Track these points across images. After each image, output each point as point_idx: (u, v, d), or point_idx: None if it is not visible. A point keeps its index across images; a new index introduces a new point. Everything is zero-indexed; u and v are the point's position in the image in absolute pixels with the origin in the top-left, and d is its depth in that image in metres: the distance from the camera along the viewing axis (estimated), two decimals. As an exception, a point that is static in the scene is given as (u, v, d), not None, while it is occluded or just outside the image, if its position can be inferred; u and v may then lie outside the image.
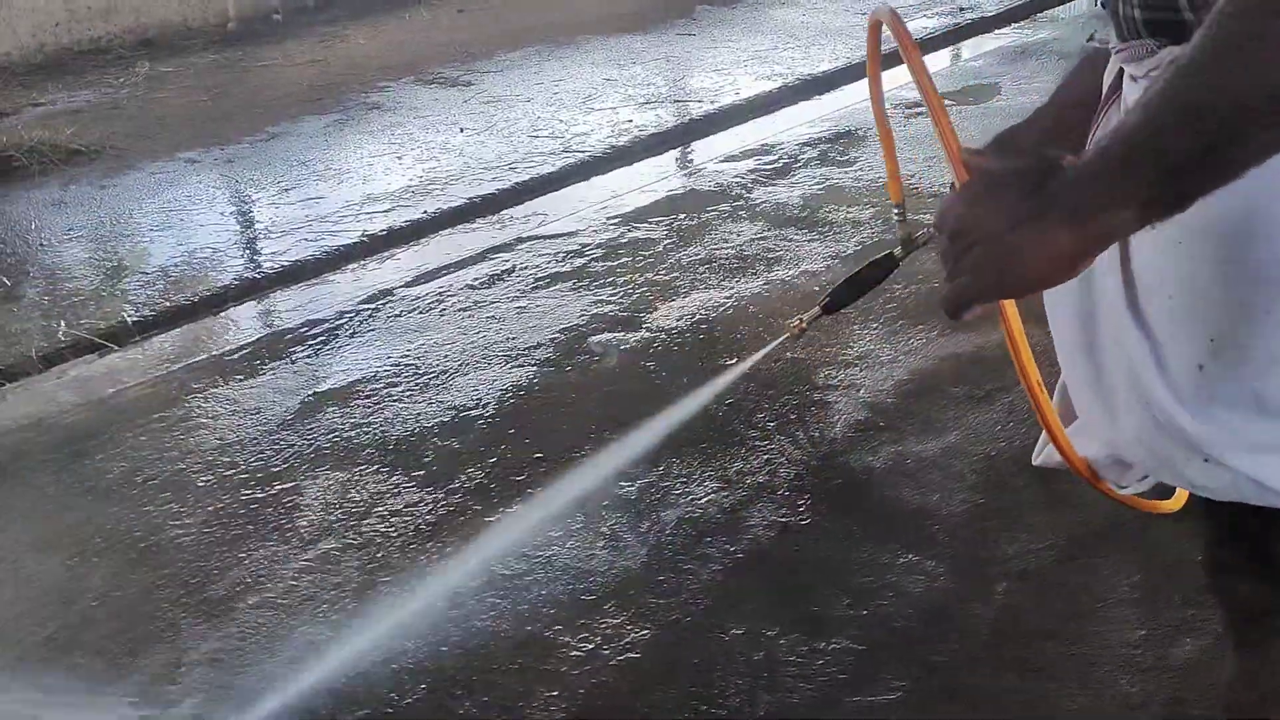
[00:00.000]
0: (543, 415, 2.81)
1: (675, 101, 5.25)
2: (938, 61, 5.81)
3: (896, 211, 1.33)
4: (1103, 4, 1.07)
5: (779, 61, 5.74)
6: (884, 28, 1.18)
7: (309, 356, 3.20)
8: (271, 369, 3.15)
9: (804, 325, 1.35)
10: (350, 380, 3.05)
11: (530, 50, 6.22)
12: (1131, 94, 1.04)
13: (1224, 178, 0.80)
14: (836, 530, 2.29)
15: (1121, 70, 1.08)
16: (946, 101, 1.04)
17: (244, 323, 3.51)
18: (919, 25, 6.17)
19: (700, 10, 6.88)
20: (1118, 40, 1.03)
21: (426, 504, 2.48)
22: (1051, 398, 1.14)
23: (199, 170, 4.68)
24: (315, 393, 3.00)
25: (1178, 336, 0.98)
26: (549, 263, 3.69)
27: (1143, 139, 0.80)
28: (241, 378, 3.12)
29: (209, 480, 2.64)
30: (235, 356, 3.25)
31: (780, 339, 1.39)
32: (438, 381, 2.99)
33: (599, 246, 3.78)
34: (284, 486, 2.59)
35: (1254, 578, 1.14)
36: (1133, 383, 1.02)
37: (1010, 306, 0.98)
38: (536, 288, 3.51)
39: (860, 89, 5.37)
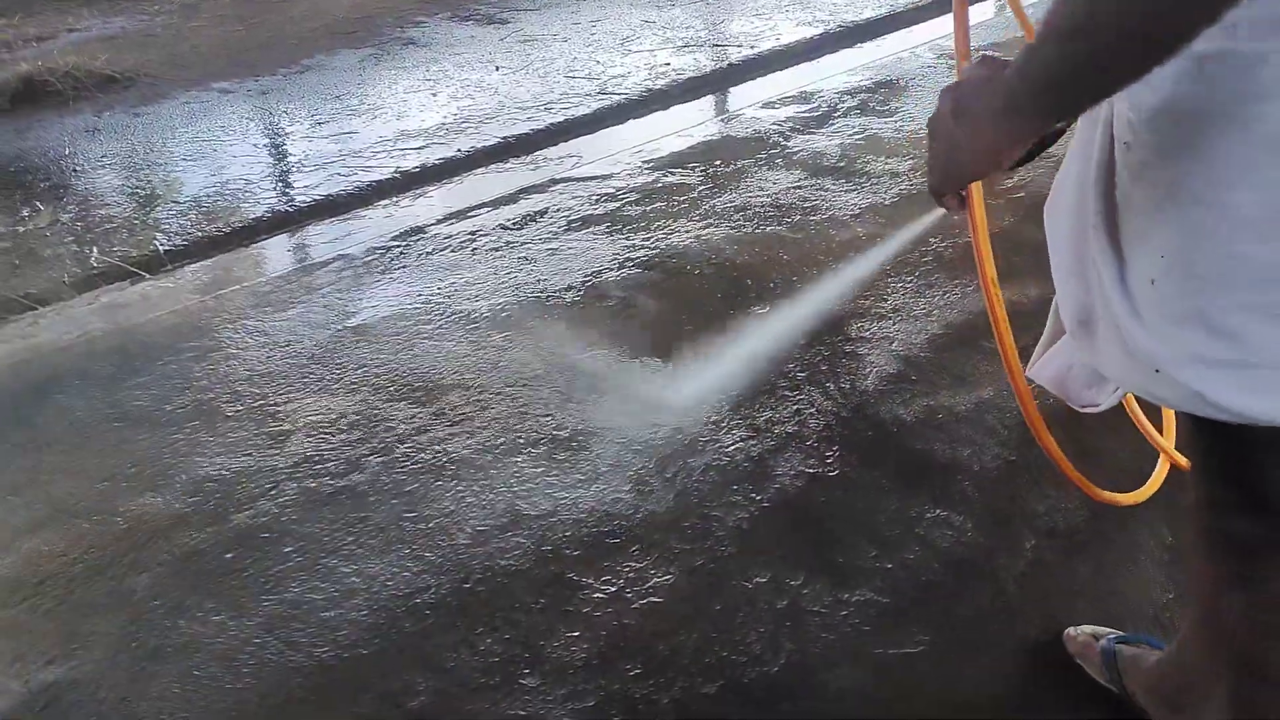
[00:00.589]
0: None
1: (714, 46, 5.17)
2: (983, 11, 5.68)
3: None
4: None
5: (821, 7, 5.63)
6: None
7: (339, 291, 3.19)
8: (302, 302, 3.15)
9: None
10: (380, 316, 3.04)
11: (568, -12, 6.14)
12: None
13: (1094, 95, 0.95)
14: (865, 481, 2.27)
15: None
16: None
17: (275, 255, 3.51)
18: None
19: (742, -47, 6.76)
20: None
21: (450, 441, 2.48)
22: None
23: (232, 101, 4.66)
24: (345, 327, 2.99)
25: (1136, 253, 1.08)
26: (582, 205, 3.65)
27: (1033, 58, 0.94)
28: (271, 310, 3.11)
29: (237, 410, 2.65)
30: (266, 288, 3.25)
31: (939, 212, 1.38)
32: (468, 320, 2.98)
33: (633, 190, 3.74)
34: (312, 419, 2.59)
35: (1244, 514, 1.21)
36: (1104, 295, 1.12)
37: (979, 217, 1.26)
38: (569, 230, 3.48)
39: (902, 39, 5.27)
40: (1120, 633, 1.80)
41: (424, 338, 2.91)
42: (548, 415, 2.55)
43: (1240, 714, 1.34)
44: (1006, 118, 1.02)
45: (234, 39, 5.45)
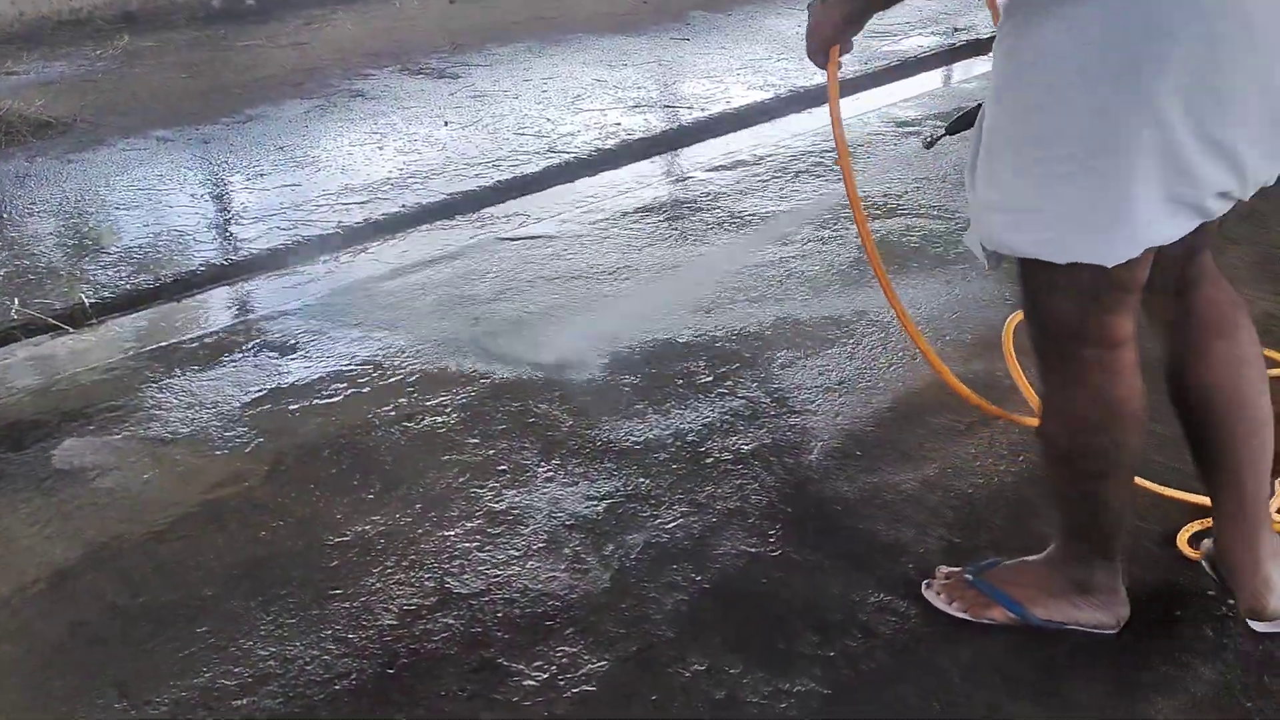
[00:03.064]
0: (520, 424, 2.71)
1: (665, 106, 5.16)
2: (929, 82, 5.74)
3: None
4: None
5: (772, 71, 5.66)
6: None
7: (273, 350, 3.09)
8: (233, 361, 3.04)
9: (932, 139, 2.19)
10: (313, 377, 2.94)
11: (520, 45, 6.13)
12: None
13: None
14: (808, 563, 2.20)
15: None
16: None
17: (208, 310, 3.40)
18: (914, 44, 6.12)
19: (694, 15, 6.81)
20: None
21: (378, 512, 2.38)
22: None
23: (172, 149, 4.56)
24: (275, 388, 2.89)
25: (977, 143, 1.64)
26: (528, 266, 3.58)
27: None
28: (199, 368, 3.00)
29: (153, 474, 2.53)
30: (195, 345, 3.14)
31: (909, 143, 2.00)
32: (405, 384, 2.89)
33: (578, 250, 3.68)
34: (231, 487, 2.48)
35: (1031, 325, 1.74)
36: (969, 174, 1.68)
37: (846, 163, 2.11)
38: (513, 290, 3.41)
39: (851, 105, 5.30)
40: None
41: (361, 401, 2.82)
42: (485, 487, 2.46)
43: (1047, 482, 1.99)
44: (843, 4, 1.80)
45: (177, 87, 5.36)
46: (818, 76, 5.83)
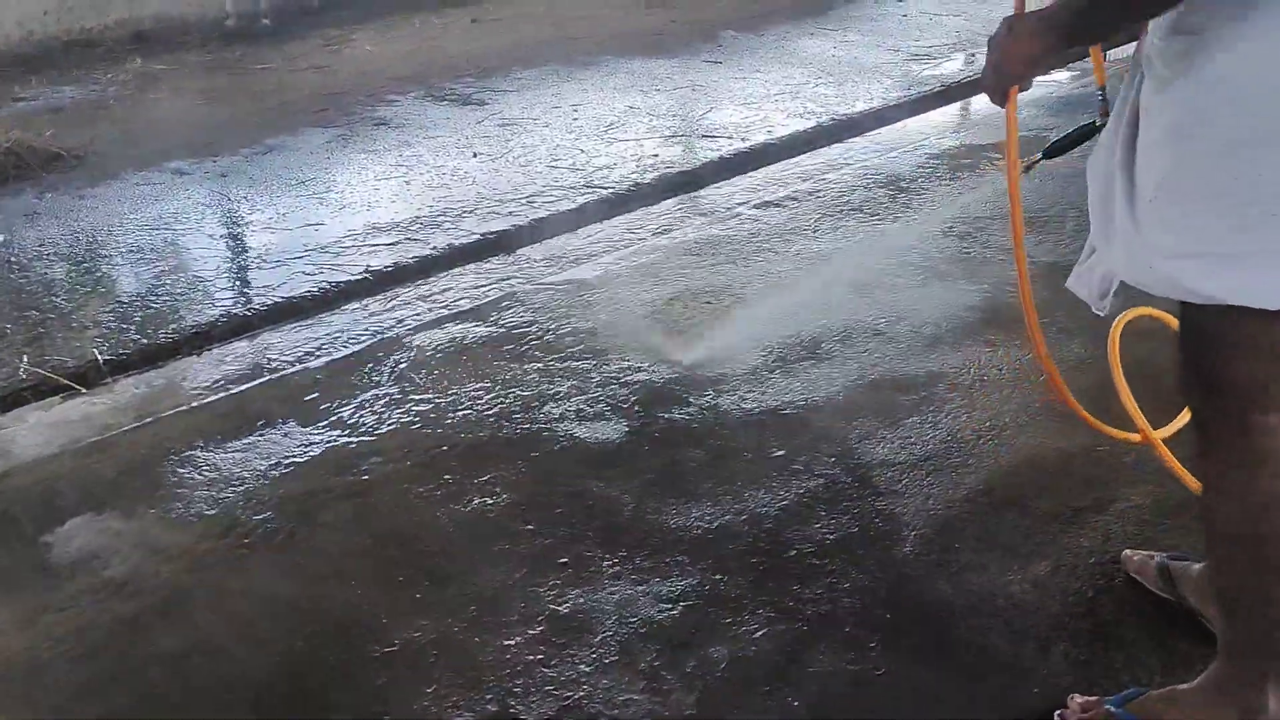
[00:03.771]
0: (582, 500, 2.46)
1: (703, 136, 4.92)
2: (950, 113, 5.49)
3: (1099, 93, 1.84)
4: None
5: (812, 98, 5.41)
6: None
7: (300, 415, 2.85)
8: (257, 428, 2.79)
9: (1030, 163, 1.97)
10: (346, 449, 2.69)
11: (547, 69, 5.89)
12: None
13: (1108, 25, 1.56)
14: (917, 685, 1.95)
15: None
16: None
17: (229, 367, 3.14)
18: (948, 70, 5.88)
19: (725, 36, 6.57)
20: None
21: (424, 616, 2.13)
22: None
23: (188, 184, 4.32)
24: (304, 461, 2.64)
25: (1142, 181, 1.52)
26: (568, 315, 3.34)
27: None
28: (220, 437, 2.75)
29: (170, 568, 2.29)
30: (216, 409, 2.90)
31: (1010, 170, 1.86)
32: (449, 459, 2.64)
33: (622, 296, 3.43)
34: (260, 588, 2.24)
35: (1199, 393, 1.61)
36: (1121, 217, 1.56)
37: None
38: (559, 344, 3.16)
39: (896, 134, 5.06)
40: (1175, 550, 2.11)
41: (400, 479, 2.57)
42: (545, 584, 2.21)
43: (1211, 565, 1.74)
44: (1043, 31, 1.56)
45: (194, 114, 5.13)
46: (859, 103, 5.64)
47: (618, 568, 2.27)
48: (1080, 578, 2.18)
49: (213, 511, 2.48)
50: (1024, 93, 1.71)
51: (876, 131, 5.11)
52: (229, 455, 2.69)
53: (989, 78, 1.67)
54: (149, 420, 2.85)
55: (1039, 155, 1.99)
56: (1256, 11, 1.37)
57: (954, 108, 5.46)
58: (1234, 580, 1.68)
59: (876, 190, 4.29)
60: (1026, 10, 1.63)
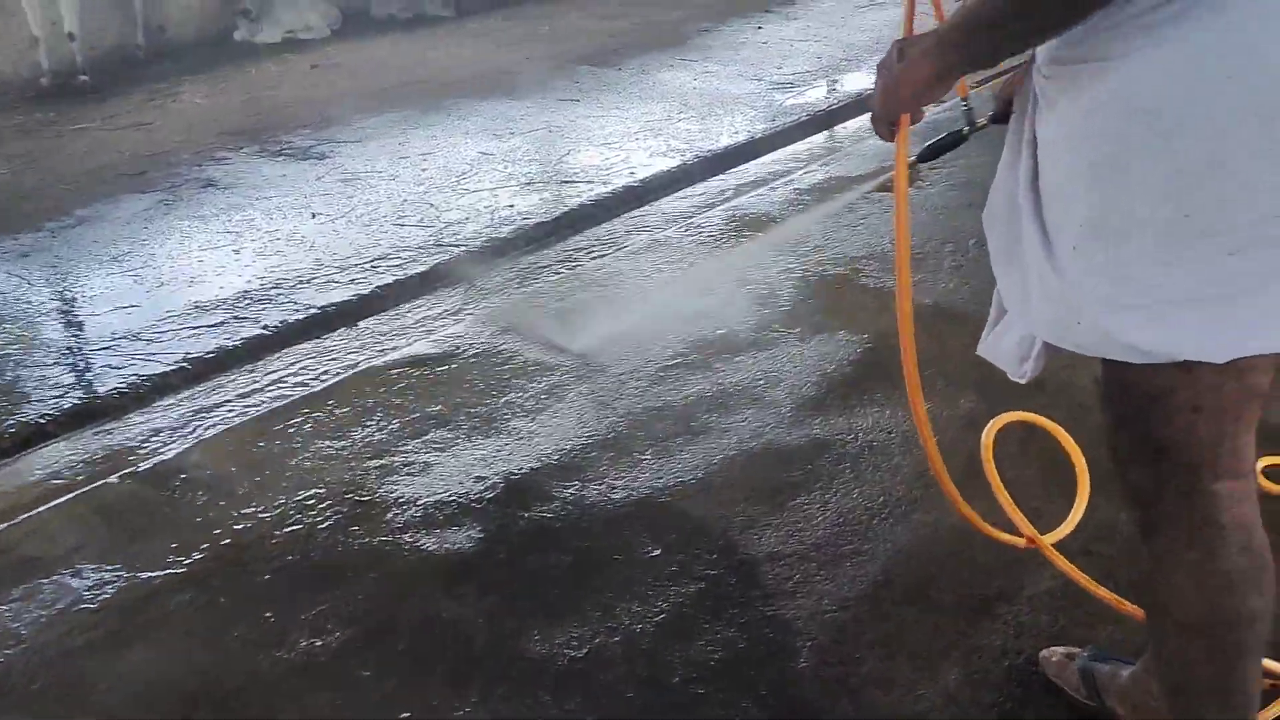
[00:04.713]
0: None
1: (562, 182, 4.62)
2: (817, 143, 5.33)
3: (963, 102, 1.82)
4: None
5: (675, 134, 5.18)
6: None
7: (92, 546, 2.44)
8: (35, 567, 2.38)
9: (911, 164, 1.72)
10: (146, 587, 2.30)
11: (394, 115, 5.54)
12: None
13: (1008, 46, 1.29)
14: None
15: None
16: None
17: (9, 491, 2.71)
18: (812, 98, 5.72)
19: (582, 72, 6.30)
20: None
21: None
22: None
23: (-18, 267, 3.85)
24: (92, 605, 2.24)
25: (1060, 229, 1.35)
26: (416, 398, 3.00)
27: (965, 10, 1.28)
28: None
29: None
30: (-1, 546, 2.47)
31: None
32: (273, 590, 2.27)
33: (474, 372, 3.11)
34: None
35: (1141, 463, 1.42)
36: (1036, 269, 1.39)
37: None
38: (402, 434, 2.82)
39: (763, 167, 4.86)
40: (1094, 648, 1.87)
41: (211, 620, 2.19)
42: (380, 749, 1.87)
43: (1161, 660, 1.53)
44: (938, 54, 1.34)
45: (-4, 184, 4.63)
46: (724, 137, 5.43)
47: (469, 715, 1.94)
48: (995, 686, 1.93)
49: (-18, 681, 2.06)
50: (918, 123, 1.47)
51: (744, 167, 4.89)
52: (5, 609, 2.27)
53: (877, 106, 1.46)
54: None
55: (913, 157, 1.82)
56: (1173, 31, 1.18)
57: (820, 138, 5.28)
58: (1191, 674, 1.48)
59: (747, 232, 4.05)
60: (916, 33, 1.43)
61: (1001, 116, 1.62)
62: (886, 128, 1.48)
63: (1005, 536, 2.02)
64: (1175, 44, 1.19)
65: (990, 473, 2.27)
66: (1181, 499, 1.40)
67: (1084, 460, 2.39)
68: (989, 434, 2.43)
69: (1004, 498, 2.14)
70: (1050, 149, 1.36)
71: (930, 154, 1.89)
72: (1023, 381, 1.58)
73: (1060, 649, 1.93)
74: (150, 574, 2.35)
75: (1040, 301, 1.40)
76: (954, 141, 1.84)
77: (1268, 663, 1.78)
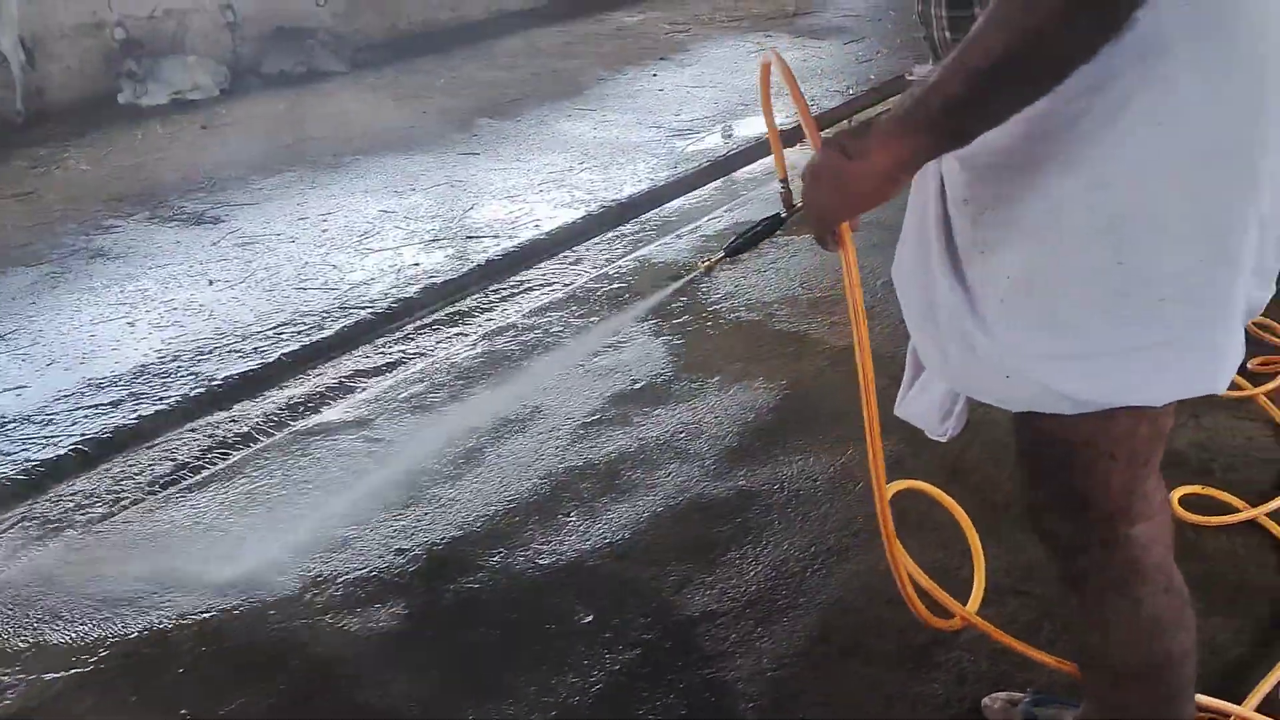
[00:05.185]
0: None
1: (468, 238, 4.56)
2: (717, 189, 5.37)
3: (781, 184, 1.64)
4: (923, 36, 1.52)
5: (578, 184, 5.16)
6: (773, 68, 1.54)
7: (-5, 649, 2.29)
8: (-63, 675, 2.22)
9: (711, 265, 1.75)
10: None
11: (290, 175, 5.42)
12: None
13: (986, 119, 1.14)
14: None
15: None
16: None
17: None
18: (711, 144, 5.76)
19: (480, 124, 6.26)
20: (932, 64, 1.29)
21: None
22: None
23: None
24: None
25: (983, 282, 1.31)
26: (324, 470, 2.90)
27: (929, 87, 1.12)
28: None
29: None
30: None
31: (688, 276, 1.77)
32: (180, 692, 2.15)
33: (389, 443, 3.03)
34: None
35: (1062, 515, 1.41)
36: (957, 327, 1.34)
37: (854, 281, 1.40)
38: (317, 509, 2.71)
39: (667, 213, 4.87)
40: (1036, 692, 1.88)
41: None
42: None
43: (1100, 706, 1.53)
44: (901, 137, 1.17)
45: None
46: (627, 187, 5.44)
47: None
48: (944, 738, 1.91)
49: None
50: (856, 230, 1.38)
51: (648, 215, 4.89)
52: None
53: (817, 213, 1.32)
54: None
55: (721, 253, 1.83)
56: (1113, 85, 1.16)
57: (720, 183, 5.31)
58: (1129, 717, 1.49)
59: (658, 281, 4.04)
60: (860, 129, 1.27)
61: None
62: (831, 236, 1.35)
63: (938, 622, 1.91)
64: (1118, 100, 1.17)
65: (898, 555, 2.13)
66: (1105, 549, 1.41)
67: (969, 521, 2.38)
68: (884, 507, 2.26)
69: (924, 580, 2.01)
70: (967, 207, 1.32)
71: (743, 245, 1.78)
72: (943, 440, 1.56)
73: (1002, 695, 1.93)
74: (53, 675, 2.21)
75: (962, 358, 1.37)
76: (769, 229, 1.72)
77: (1202, 698, 1.80)
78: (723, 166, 5.49)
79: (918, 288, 1.42)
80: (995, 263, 1.29)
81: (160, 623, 2.35)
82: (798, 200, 1.37)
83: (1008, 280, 1.28)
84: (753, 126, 5.96)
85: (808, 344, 3.39)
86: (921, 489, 2.51)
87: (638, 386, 3.24)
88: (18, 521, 2.79)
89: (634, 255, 4.36)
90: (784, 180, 1.64)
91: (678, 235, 4.53)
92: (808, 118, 1.41)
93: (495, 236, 4.56)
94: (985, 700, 1.93)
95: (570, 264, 4.35)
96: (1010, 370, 1.31)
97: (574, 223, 4.72)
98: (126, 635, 2.32)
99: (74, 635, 2.33)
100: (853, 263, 1.39)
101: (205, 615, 2.36)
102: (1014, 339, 1.29)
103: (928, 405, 1.55)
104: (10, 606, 2.44)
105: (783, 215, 1.63)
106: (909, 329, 1.48)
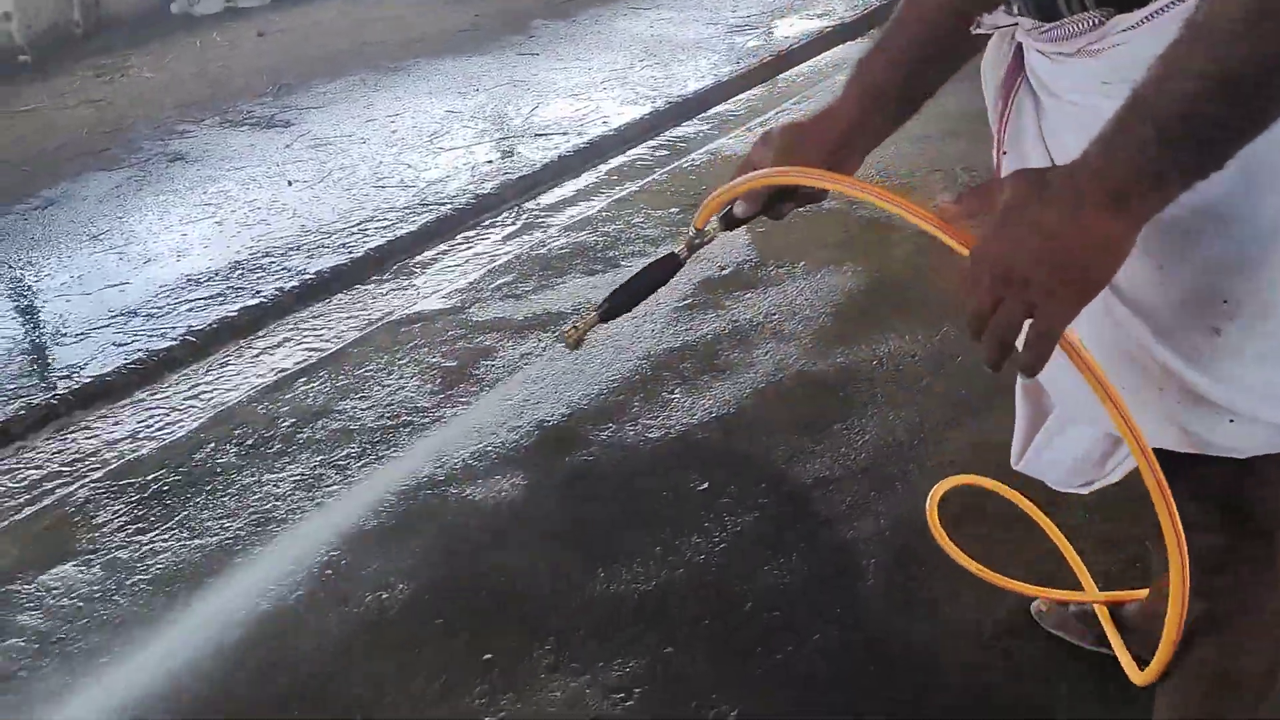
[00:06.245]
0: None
1: (536, 135, 4.57)
2: (781, 84, 5.32)
3: (693, 232, 1.24)
4: None
5: (641, 82, 5.14)
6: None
7: (138, 516, 2.40)
8: (79, 540, 2.34)
9: (580, 332, 1.23)
10: (205, 549, 2.27)
11: (352, 79, 5.42)
12: (1058, 77, 1.06)
13: (1252, 138, 0.81)
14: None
15: (1018, 54, 1.13)
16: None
17: (37, 470, 2.65)
18: (773, 39, 5.70)
19: (536, 25, 6.22)
20: (1035, 20, 1.05)
21: (345, 761, 1.77)
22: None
23: (-45, 254, 3.72)
24: (155, 569, 2.21)
25: (1178, 305, 1.02)
26: (429, 355, 2.97)
27: (1177, 115, 0.81)
28: (39, 563, 2.29)
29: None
30: (34, 525, 2.42)
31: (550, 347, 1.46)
32: (328, 552, 2.25)
33: (490, 323, 3.09)
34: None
35: (1216, 531, 1.18)
36: (1141, 363, 1.06)
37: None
38: (425, 393, 2.79)
39: (733, 107, 4.86)
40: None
41: (274, 583, 2.17)
42: (472, 692, 1.87)
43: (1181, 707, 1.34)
44: (1142, 200, 0.84)
45: (-50, 170, 4.47)
46: (690, 83, 5.41)
47: (552, 656, 1.95)
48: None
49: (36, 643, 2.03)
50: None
51: (715, 110, 4.88)
52: (50, 582, 2.23)
53: (1060, 307, 0.89)
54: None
55: (594, 314, 1.23)
56: None
57: (786, 76, 5.28)
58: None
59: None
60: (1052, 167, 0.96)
61: (750, 216, 1.22)
62: (1048, 343, 0.90)
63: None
64: None
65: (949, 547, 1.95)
66: (1267, 554, 1.25)
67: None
68: (932, 509, 2.01)
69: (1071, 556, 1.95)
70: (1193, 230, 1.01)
71: (627, 299, 1.25)
72: (1086, 492, 1.37)
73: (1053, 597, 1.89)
74: (197, 539, 2.32)
75: (1155, 401, 1.10)
76: (668, 271, 1.25)
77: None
78: (785, 61, 5.45)
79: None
80: (1197, 278, 1.03)
81: (289, 492, 2.45)
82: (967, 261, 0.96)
83: (1224, 303, 1.02)
84: (807, 23, 5.90)
85: (894, 231, 3.40)
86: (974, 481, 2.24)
87: (725, 273, 3.28)
88: (129, 411, 2.88)
89: (704, 149, 4.38)
90: (700, 230, 1.25)
91: (748, 128, 4.53)
92: (918, 212, 1.02)
93: (564, 134, 4.57)
94: (1037, 605, 1.91)
95: (641, 159, 4.37)
96: (1237, 410, 1.06)
97: (642, 118, 4.72)
98: (262, 506, 2.42)
99: (216, 507, 2.43)
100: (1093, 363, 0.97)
101: (331, 486, 2.46)
102: (1240, 377, 1.05)
103: (1068, 455, 1.34)
104: (148, 486, 2.55)
105: (681, 255, 1.24)
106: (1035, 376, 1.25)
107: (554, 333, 3.03)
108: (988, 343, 0.91)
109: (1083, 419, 1.24)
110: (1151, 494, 0.99)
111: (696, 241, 1.24)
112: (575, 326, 1.23)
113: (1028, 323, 0.90)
